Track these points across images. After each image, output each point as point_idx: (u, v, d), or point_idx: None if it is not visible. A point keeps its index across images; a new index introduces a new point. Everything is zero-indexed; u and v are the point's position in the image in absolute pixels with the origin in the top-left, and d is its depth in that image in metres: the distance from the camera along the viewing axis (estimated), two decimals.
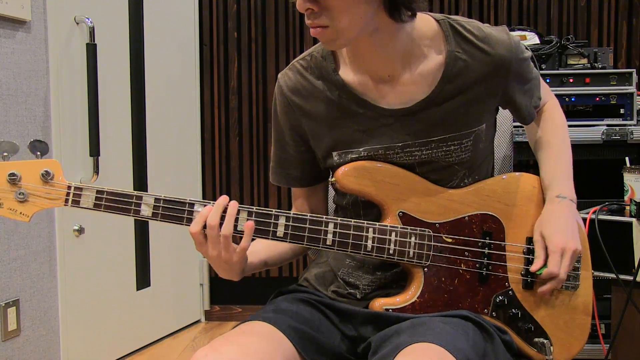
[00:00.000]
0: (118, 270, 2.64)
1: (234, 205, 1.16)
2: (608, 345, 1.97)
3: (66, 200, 1.15)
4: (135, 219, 1.42)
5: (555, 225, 1.24)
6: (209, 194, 3.12)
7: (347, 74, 1.25)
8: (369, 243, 1.20)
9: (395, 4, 1.13)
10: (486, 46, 1.21)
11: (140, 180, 2.73)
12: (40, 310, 2.26)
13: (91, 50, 2.35)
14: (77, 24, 2.36)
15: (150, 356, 2.72)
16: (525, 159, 2.06)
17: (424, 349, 1.04)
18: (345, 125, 1.25)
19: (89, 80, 2.36)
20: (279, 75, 1.32)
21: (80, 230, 2.39)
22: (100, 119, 2.40)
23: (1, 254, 2.09)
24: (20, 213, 1.13)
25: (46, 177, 1.14)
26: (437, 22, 1.23)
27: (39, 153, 1.15)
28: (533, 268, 1.23)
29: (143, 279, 2.78)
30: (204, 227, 1.15)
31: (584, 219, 1.81)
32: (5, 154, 1.13)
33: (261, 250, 1.31)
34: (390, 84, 1.22)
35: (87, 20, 2.35)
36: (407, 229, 1.21)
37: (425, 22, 1.22)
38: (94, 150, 2.38)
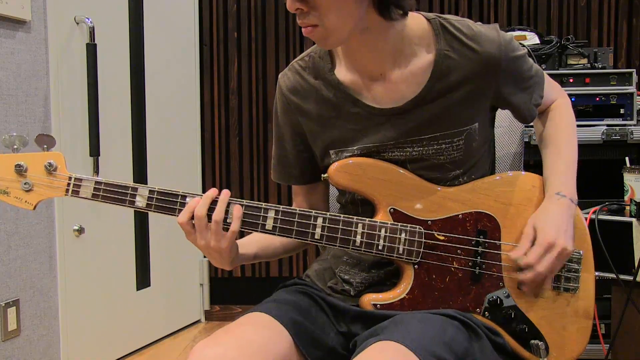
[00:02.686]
0: (118, 270, 2.65)
1: (226, 193, 1.20)
2: (608, 345, 1.96)
3: (67, 190, 1.22)
4: (134, 211, 1.46)
5: (549, 221, 1.21)
6: None
7: (341, 73, 1.26)
8: (358, 238, 1.20)
9: (385, 2, 1.13)
10: (474, 44, 1.21)
11: (141, 180, 2.74)
12: (40, 310, 2.26)
13: (91, 50, 2.36)
14: (77, 24, 2.37)
15: (150, 356, 2.72)
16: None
17: (385, 348, 1.04)
18: (341, 124, 1.26)
19: (89, 80, 2.36)
20: (279, 76, 1.34)
21: (80, 230, 2.40)
22: (100, 119, 2.41)
23: (1, 254, 2.10)
24: (26, 201, 1.22)
25: (49, 168, 1.22)
26: (428, 21, 1.23)
27: (45, 146, 1.23)
28: (511, 255, 1.21)
29: (143, 279, 2.78)
30: (192, 217, 1.18)
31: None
32: (15, 146, 1.22)
33: (254, 242, 1.34)
34: (381, 82, 1.23)
35: (87, 20, 2.36)
36: (397, 225, 1.21)
37: (416, 21, 1.23)
38: (94, 150, 2.39)
